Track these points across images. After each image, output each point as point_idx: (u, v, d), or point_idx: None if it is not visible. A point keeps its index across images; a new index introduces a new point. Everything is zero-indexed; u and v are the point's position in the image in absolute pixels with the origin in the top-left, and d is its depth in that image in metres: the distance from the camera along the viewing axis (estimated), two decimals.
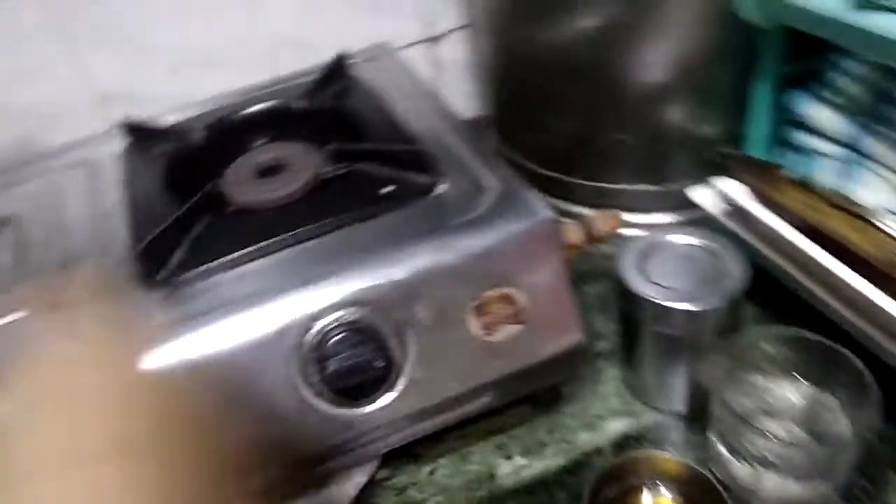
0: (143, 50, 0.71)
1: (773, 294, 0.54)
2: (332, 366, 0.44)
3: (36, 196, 0.59)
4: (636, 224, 0.66)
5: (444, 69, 0.86)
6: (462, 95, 0.89)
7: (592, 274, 0.63)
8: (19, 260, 0.52)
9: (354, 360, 0.44)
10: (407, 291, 0.46)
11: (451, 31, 0.84)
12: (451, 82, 0.88)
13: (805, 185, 0.51)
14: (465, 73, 0.88)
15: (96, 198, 0.58)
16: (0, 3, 0.64)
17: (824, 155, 0.52)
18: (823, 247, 0.48)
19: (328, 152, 0.56)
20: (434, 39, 0.83)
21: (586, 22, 0.58)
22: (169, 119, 0.64)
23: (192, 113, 0.66)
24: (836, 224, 0.48)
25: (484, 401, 0.50)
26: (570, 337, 0.51)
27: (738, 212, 0.54)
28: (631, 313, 0.51)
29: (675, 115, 0.60)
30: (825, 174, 0.51)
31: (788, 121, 0.54)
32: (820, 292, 0.50)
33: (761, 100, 0.54)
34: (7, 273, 0.51)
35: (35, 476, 0.22)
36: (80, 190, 0.59)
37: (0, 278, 0.51)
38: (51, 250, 0.53)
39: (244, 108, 0.65)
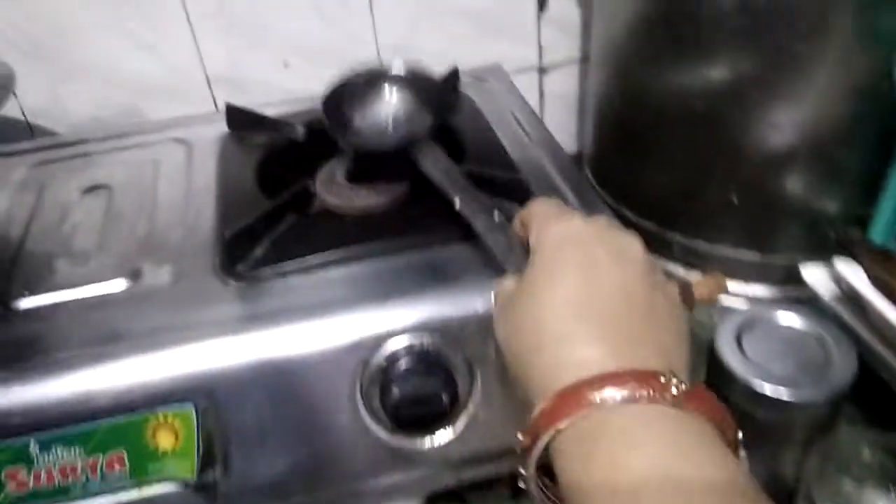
0: (255, 38, 0.71)
1: (877, 395, 0.50)
2: (396, 392, 0.42)
3: (133, 166, 0.60)
4: (733, 292, 0.62)
5: (547, 100, 0.85)
6: (561, 130, 0.87)
7: None
8: (105, 229, 0.52)
9: (419, 391, 0.42)
10: (484, 326, 0.43)
11: (563, 64, 0.82)
12: (553, 114, 0.86)
13: None
14: (569, 108, 0.86)
15: (190, 178, 0.58)
16: None
17: None
18: None
19: None
20: (544, 69, 0.82)
21: (715, 72, 0.55)
22: (271, 111, 0.64)
23: (295, 108, 0.65)
24: None
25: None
26: None
27: (852, 299, 0.50)
28: (720, 389, 0.47)
29: (795, 183, 0.56)
30: None
31: None
32: None
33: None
34: (91, 241, 0.51)
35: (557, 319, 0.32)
36: (175, 167, 0.59)
37: (84, 246, 0.51)
38: (137, 223, 0.53)
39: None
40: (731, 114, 0.55)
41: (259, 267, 0.46)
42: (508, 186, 0.51)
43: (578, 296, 0.33)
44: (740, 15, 0.51)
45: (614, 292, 0.33)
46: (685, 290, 0.52)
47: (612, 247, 0.35)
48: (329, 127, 0.52)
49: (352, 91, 0.54)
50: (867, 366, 0.48)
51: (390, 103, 0.54)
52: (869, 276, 0.49)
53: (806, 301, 0.55)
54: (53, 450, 0.39)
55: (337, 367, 0.42)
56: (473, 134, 0.60)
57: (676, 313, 0.35)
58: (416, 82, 0.55)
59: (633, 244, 0.36)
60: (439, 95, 0.55)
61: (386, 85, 0.55)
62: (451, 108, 0.55)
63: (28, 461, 0.39)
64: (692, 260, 0.64)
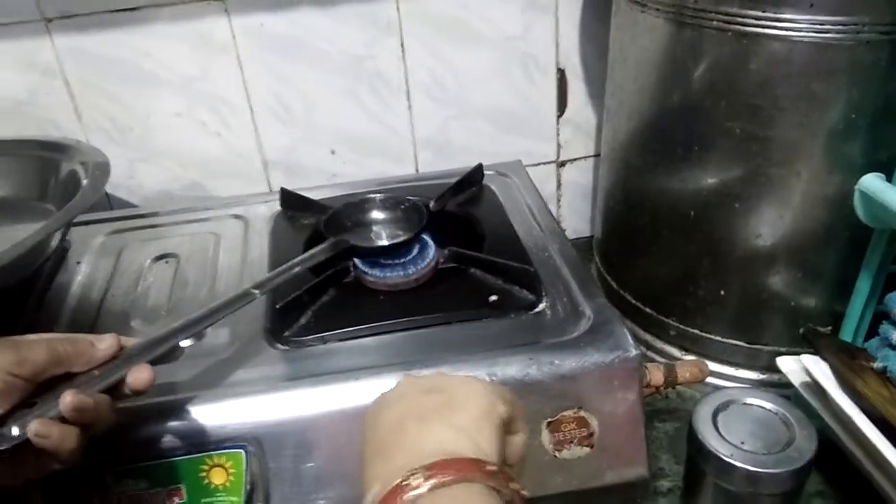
0: (307, 129, 0.81)
1: (841, 468, 0.55)
2: None
3: (198, 238, 0.69)
4: (720, 374, 0.68)
5: (564, 189, 0.93)
6: (577, 215, 0.95)
7: (668, 412, 0.66)
8: (174, 293, 0.61)
9: None
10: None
11: (579, 158, 0.90)
12: (570, 202, 0.94)
13: (889, 380, 0.53)
14: (584, 196, 0.94)
15: (246, 251, 0.67)
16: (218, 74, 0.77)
17: None
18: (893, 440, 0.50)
19: (447, 253, 0.62)
20: (562, 163, 0.90)
21: (703, 185, 0.62)
22: (318, 194, 0.73)
23: (340, 192, 0.74)
24: None
25: None
26: (635, 470, 0.53)
27: (818, 389, 0.56)
28: (697, 462, 0.53)
29: (778, 282, 0.63)
30: None
31: (888, 316, 0.56)
32: (883, 481, 0.51)
33: (862, 290, 0.57)
34: (161, 306, 0.60)
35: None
36: (234, 241, 0.68)
37: (156, 310, 0.60)
38: (200, 289, 0.61)
39: (385, 198, 0.71)
40: (718, 220, 0.63)
41: (302, 334, 0.55)
42: (520, 275, 0.59)
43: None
44: (722, 142, 0.59)
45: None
46: (670, 370, 0.58)
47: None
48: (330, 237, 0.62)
49: (348, 212, 0.68)
50: (834, 446, 0.54)
51: (378, 220, 0.69)
52: (833, 371, 0.55)
53: (785, 386, 0.61)
54: (124, 481, 0.47)
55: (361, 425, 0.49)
56: (493, 224, 0.68)
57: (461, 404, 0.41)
58: (398, 204, 0.69)
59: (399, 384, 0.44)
60: (418, 215, 0.66)
61: (374, 208, 0.69)
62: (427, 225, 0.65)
63: (102, 489, 0.47)
64: (686, 344, 0.71)
